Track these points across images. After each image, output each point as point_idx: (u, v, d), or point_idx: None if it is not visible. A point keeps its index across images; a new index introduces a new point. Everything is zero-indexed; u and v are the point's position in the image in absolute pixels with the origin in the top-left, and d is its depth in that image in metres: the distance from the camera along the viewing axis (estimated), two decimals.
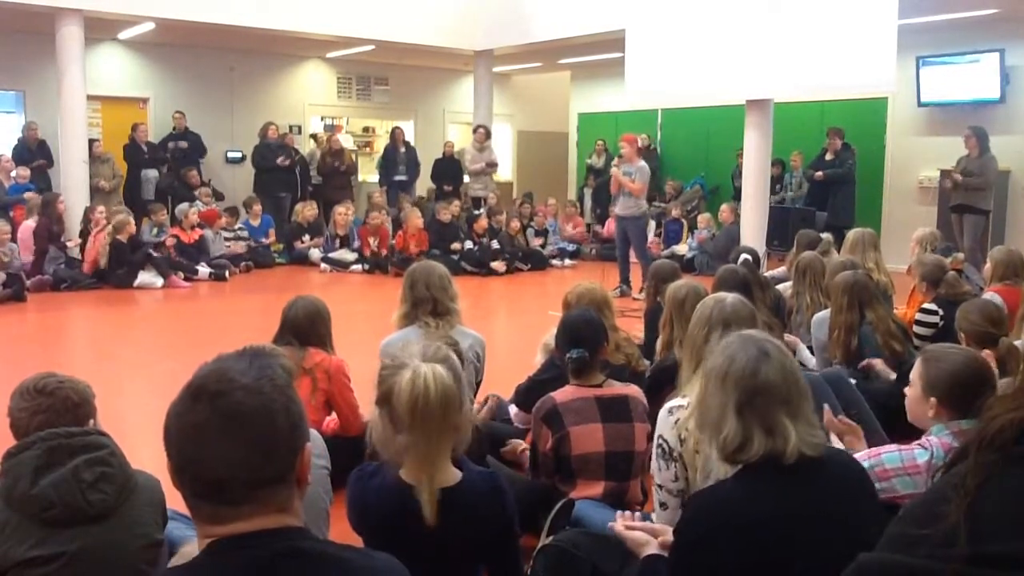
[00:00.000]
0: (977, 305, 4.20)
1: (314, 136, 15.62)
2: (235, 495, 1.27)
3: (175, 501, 1.42)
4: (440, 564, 2.15)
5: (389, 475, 2.18)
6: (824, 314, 4.89)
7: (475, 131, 13.79)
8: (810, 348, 5.14)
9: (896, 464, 2.64)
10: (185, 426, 1.28)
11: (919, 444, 2.69)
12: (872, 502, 2.10)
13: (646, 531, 2.42)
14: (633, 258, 9.94)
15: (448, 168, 14.20)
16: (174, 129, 13.48)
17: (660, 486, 2.74)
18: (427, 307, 3.89)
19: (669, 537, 2.33)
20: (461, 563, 2.22)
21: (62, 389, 2.42)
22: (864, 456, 2.70)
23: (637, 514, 2.70)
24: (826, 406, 3.21)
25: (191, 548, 1.64)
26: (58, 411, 2.37)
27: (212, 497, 1.28)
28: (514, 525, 2.32)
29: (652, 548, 2.32)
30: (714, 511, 1.97)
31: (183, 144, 13.28)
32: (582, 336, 3.31)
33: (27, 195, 11.00)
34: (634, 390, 3.38)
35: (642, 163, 9.96)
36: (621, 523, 2.46)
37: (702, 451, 2.59)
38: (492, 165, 13.79)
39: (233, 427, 1.26)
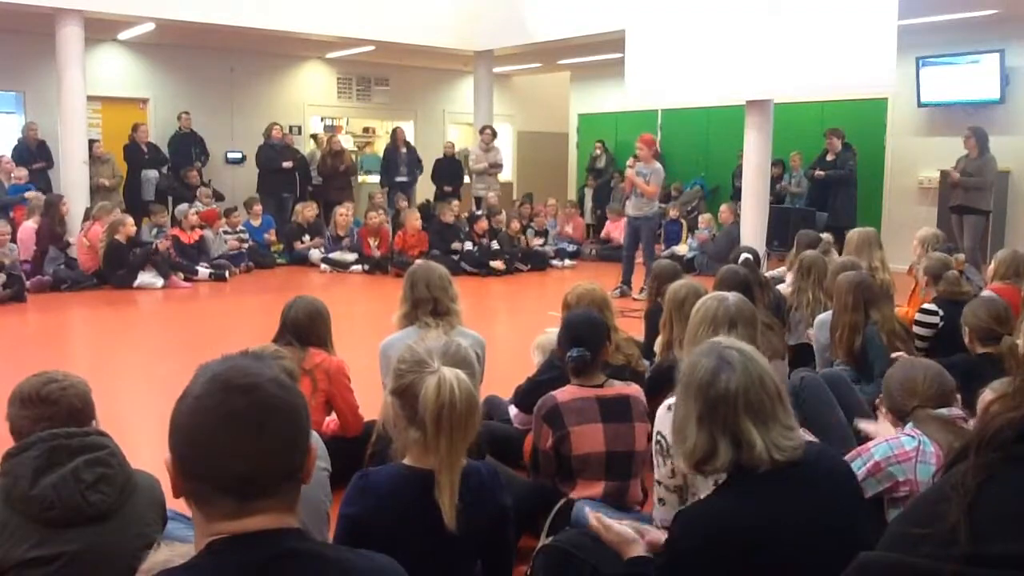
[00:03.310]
0: (985, 302, 4.21)
1: (315, 136, 15.63)
2: (261, 488, 1.28)
3: (175, 501, 1.41)
4: (447, 552, 2.15)
5: (395, 467, 2.20)
6: (826, 316, 4.88)
7: (482, 131, 13.80)
8: (808, 347, 5.14)
9: (886, 454, 2.71)
10: (218, 417, 1.27)
11: (905, 433, 2.78)
12: (859, 501, 2.10)
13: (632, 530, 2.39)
14: (638, 258, 9.95)
15: (449, 168, 14.22)
16: (179, 129, 13.54)
17: (658, 482, 2.76)
18: (428, 307, 3.88)
19: (656, 536, 2.31)
20: (464, 551, 2.21)
21: (65, 397, 2.38)
22: (854, 454, 2.78)
23: (611, 512, 2.68)
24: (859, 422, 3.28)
25: (163, 555, 1.60)
26: (61, 420, 2.33)
27: (237, 491, 1.27)
28: (509, 512, 2.33)
29: (639, 549, 2.28)
30: (702, 525, 1.95)
31: (198, 166, 13.32)
32: (583, 336, 3.31)
33: (28, 195, 11.00)
34: (635, 389, 3.38)
35: (657, 165, 9.96)
36: (599, 522, 2.39)
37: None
38: (496, 166, 13.79)
39: (267, 419, 1.28)
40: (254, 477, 1.27)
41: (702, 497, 2.13)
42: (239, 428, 1.26)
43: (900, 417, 2.88)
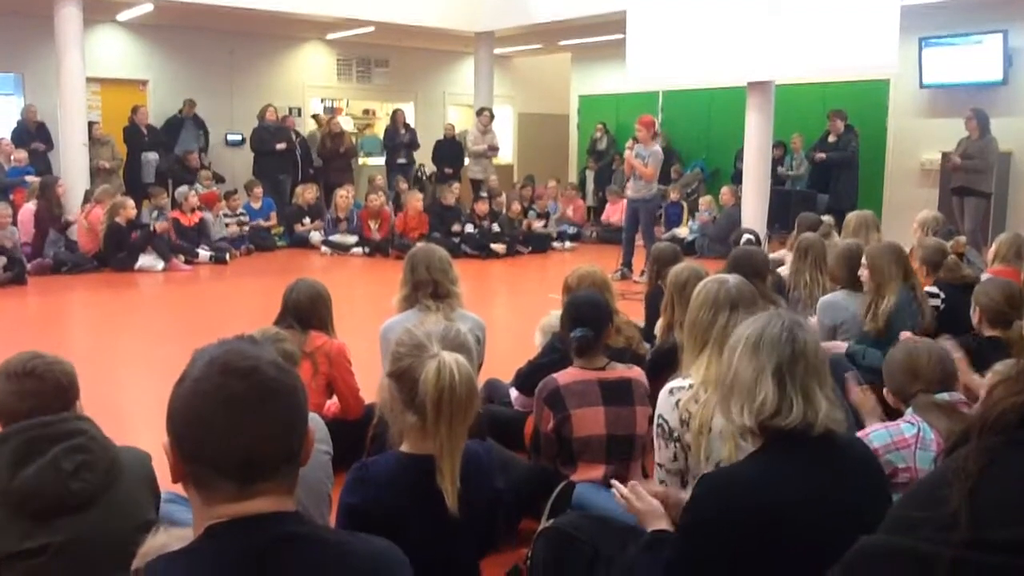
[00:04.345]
0: (999, 283, 4.16)
1: (316, 117, 15.59)
2: (260, 471, 1.28)
3: (171, 483, 1.40)
4: (449, 536, 2.15)
5: (392, 456, 2.20)
6: (830, 297, 4.86)
7: (479, 113, 13.78)
8: None
9: (885, 441, 2.70)
10: (217, 400, 1.27)
11: (904, 420, 2.78)
12: (887, 490, 2.09)
13: (659, 496, 2.37)
14: (638, 241, 9.94)
15: (449, 150, 14.18)
16: (180, 112, 13.52)
17: (660, 465, 2.76)
18: (428, 290, 3.88)
19: (681, 496, 2.30)
20: (464, 535, 2.22)
21: (52, 372, 2.33)
22: None
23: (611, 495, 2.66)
24: (848, 375, 3.23)
25: (161, 539, 1.57)
26: (48, 396, 2.28)
27: (237, 474, 1.27)
28: (501, 495, 2.34)
29: (663, 523, 2.26)
30: (729, 491, 1.92)
31: (202, 156, 13.33)
32: (586, 317, 3.30)
33: (28, 178, 10.98)
34: (637, 372, 3.37)
35: (656, 147, 9.91)
36: (630, 492, 2.36)
37: (704, 434, 2.58)
38: (493, 149, 13.79)
39: (269, 401, 1.28)
40: (254, 460, 1.27)
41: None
42: (238, 411, 1.26)
43: (902, 400, 2.88)
